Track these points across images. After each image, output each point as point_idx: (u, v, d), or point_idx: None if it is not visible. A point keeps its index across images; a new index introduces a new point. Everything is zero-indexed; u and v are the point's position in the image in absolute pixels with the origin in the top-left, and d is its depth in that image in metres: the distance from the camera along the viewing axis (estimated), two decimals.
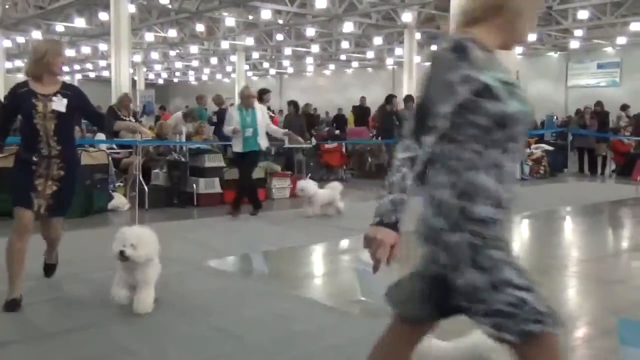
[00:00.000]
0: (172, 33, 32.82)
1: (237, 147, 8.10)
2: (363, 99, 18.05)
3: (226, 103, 14.25)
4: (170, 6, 25.02)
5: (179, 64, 46.77)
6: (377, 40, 33.39)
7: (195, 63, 45.27)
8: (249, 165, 8.20)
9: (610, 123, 17.22)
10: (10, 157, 5.16)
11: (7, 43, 32.04)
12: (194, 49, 37.82)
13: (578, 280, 5.49)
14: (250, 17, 28.08)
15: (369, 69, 43.95)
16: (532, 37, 30.13)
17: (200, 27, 31.14)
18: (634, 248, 7.12)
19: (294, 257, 6.18)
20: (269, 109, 11.85)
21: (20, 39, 34.10)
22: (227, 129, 8.19)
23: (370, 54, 37.90)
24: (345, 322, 4.03)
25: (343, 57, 39.57)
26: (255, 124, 7.98)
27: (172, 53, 40.75)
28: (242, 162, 8.25)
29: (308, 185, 8.26)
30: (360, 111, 18.09)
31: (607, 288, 5.16)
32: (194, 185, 9.10)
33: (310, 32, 30.88)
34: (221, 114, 11.34)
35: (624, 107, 18.25)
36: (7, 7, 27.20)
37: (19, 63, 40.50)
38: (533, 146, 14.91)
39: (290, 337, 3.69)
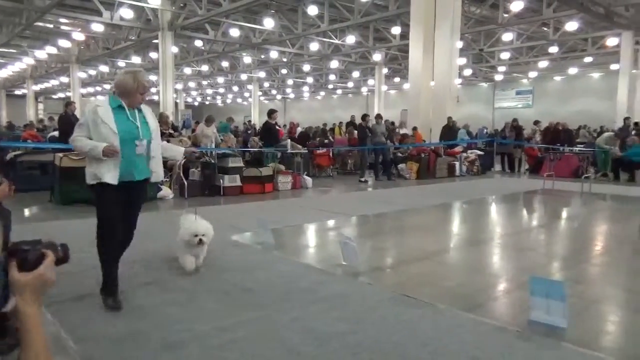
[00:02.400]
0: (205, 67, 32.71)
1: None
2: (353, 117, 17.92)
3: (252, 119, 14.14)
4: (203, 48, 24.97)
5: (209, 90, 46.61)
6: (355, 74, 33.47)
7: (221, 90, 45.20)
8: None
9: (525, 135, 17.28)
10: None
11: (82, 75, 31.86)
12: (220, 79, 37.75)
13: (501, 249, 5.52)
14: (262, 57, 28.05)
15: (350, 95, 43.97)
16: (468, 72, 30.24)
17: (225, 63, 31.09)
18: (541, 225, 7.17)
19: (294, 233, 6.19)
20: (276, 124, 11.83)
21: (92, 72, 33.91)
22: None
23: (350, 84, 38.04)
24: (331, 280, 4.05)
25: (330, 86, 39.62)
26: None
27: (205, 82, 40.63)
28: None
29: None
30: (353, 125, 17.98)
31: (521, 254, 5.20)
32: (221, 180, 9.07)
33: (306, 67, 30.94)
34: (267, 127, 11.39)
35: (536, 122, 18.37)
36: (82, 47, 26.98)
37: (90, 89, 40.23)
38: (469, 151, 14.95)
39: (292, 291, 3.70)
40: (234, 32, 20.68)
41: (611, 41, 21.68)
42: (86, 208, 6.08)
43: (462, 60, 25.33)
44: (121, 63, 28.03)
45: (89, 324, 3.03)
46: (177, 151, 4.03)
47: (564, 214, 8.17)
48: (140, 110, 3.42)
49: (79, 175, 3.78)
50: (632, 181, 12.29)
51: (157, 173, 3.58)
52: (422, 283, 4.06)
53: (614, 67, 22.37)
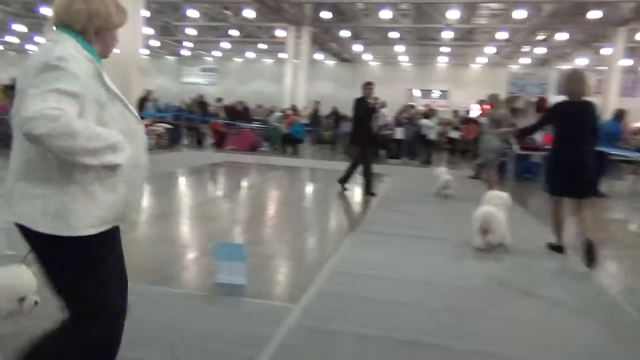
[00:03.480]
0: None
1: None
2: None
3: None
4: None
5: None
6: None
7: None
8: None
9: (210, 110, 18.16)
10: None
11: None
12: None
13: (188, 220, 5.69)
14: None
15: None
16: (156, 44, 29.52)
17: None
18: (224, 195, 7.74)
19: None
20: None
21: None
22: None
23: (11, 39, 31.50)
24: None
25: None
26: None
27: None
28: None
29: None
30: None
31: (207, 223, 5.49)
32: None
33: None
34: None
35: (219, 100, 19.60)
36: None
37: None
38: (157, 124, 14.71)
39: None
40: None
41: (280, 33, 24.88)
42: None
43: (150, 31, 24.52)
44: None
45: None
46: None
47: (244, 183, 9.03)
48: None
49: None
50: (295, 153, 14.60)
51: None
52: None
53: (282, 55, 25.80)
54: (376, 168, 8.00)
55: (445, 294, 3.45)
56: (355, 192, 8.54)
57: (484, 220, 4.53)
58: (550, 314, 3.19)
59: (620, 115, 9.49)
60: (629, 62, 23.90)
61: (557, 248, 4.61)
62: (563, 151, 4.41)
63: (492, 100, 8.09)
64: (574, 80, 4.53)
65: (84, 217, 1.57)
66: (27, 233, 1.58)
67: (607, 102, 18.22)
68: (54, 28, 1.66)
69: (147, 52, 28.74)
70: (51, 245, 1.58)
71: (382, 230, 5.32)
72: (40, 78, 1.45)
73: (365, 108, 7.42)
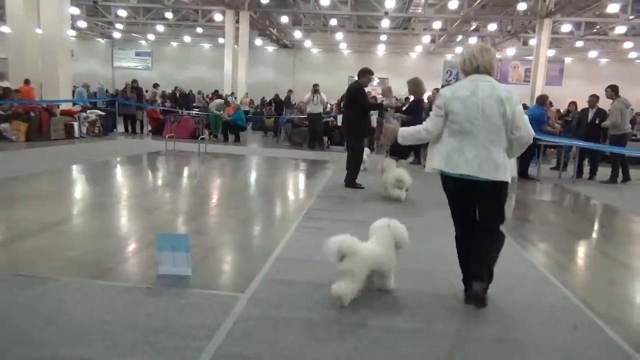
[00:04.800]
0: None
1: None
2: None
3: None
4: None
5: None
6: None
7: None
8: None
9: (146, 97, 17.49)
10: None
11: None
12: None
13: (128, 211, 5.48)
14: None
15: None
16: (83, 24, 27.87)
17: None
18: (165, 184, 7.51)
19: None
20: None
21: None
22: None
23: None
24: None
25: None
26: None
27: None
28: None
29: None
30: None
31: (148, 214, 5.33)
32: None
33: None
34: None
35: (155, 85, 18.95)
36: None
37: None
38: (88, 111, 13.98)
39: None
40: None
41: (217, 17, 24.24)
42: None
43: (76, 10, 23.09)
44: None
45: None
46: None
47: (185, 172, 8.81)
48: None
49: None
50: (238, 141, 14.40)
51: None
52: (41, 258, 3.62)
53: (221, 40, 25.18)
54: (320, 155, 8.05)
55: None
56: (300, 180, 8.59)
57: (397, 179, 6.26)
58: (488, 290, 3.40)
59: (542, 100, 10.27)
60: (553, 52, 25.43)
61: None
62: None
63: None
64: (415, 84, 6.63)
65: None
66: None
67: (535, 90, 19.32)
68: None
69: (74, 33, 27.19)
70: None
71: (326, 216, 5.41)
72: None
73: (366, 99, 7.25)
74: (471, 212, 3.19)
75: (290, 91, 21.41)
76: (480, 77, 3.03)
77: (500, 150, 2.98)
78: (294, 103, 19.58)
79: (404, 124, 7.41)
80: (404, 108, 8.00)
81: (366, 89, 7.33)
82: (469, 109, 2.97)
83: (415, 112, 7.35)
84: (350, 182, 7.27)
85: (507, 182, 3.01)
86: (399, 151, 7.00)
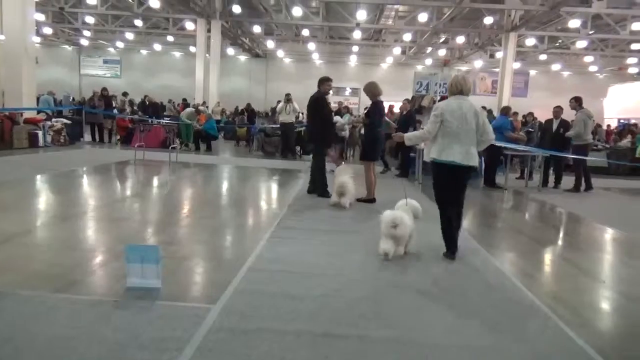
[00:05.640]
0: None
1: None
2: None
3: None
4: None
5: None
6: None
7: None
8: None
9: (115, 105, 17.15)
10: None
11: None
12: None
13: (95, 222, 5.33)
14: None
15: None
16: (49, 31, 27.21)
17: None
18: (134, 194, 7.36)
19: None
20: None
21: None
22: None
23: None
24: None
25: None
26: None
27: None
28: None
29: None
30: None
31: (116, 225, 5.20)
32: None
33: None
34: None
35: (125, 94, 18.60)
36: None
37: None
38: (54, 120, 13.61)
39: None
40: None
41: (189, 25, 24.04)
42: None
43: (41, 17, 22.54)
44: None
45: None
46: None
47: (155, 182, 8.65)
48: None
49: None
50: (209, 150, 14.25)
51: None
52: (2, 271, 3.48)
53: (192, 49, 24.95)
54: (293, 164, 8.04)
55: (362, 284, 3.59)
56: (273, 189, 8.55)
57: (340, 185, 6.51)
58: (458, 299, 3.44)
59: (505, 110, 10.75)
60: (518, 65, 26.21)
61: None
62: None
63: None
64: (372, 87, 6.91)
65: None
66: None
67: (501, 101, 19.86)
68: None
69: (39, 40, 26.52)
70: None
71: (297, 226, 5.39)
72: None
73: (326, 108, 7.24)
74: (451, 197, 4.43)
75: (279, 102, 20.88)
76: (462, 97, 4.42)
77: (473, 147, 4.38)
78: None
79: (365, 126, 7.69)
80: (365, 112, 8.10)
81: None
82: (456, 119, 4.30)
83: (374, 113, 7.26)
84: (322, 191, 7.29)
85: (476, 166, 4.43)
86: (369, 156, 7.12)
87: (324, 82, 7.24)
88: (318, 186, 7.36)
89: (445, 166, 4.33)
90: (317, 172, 7.39)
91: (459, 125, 4.28)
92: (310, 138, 7.58)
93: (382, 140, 7.51)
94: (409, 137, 4.74)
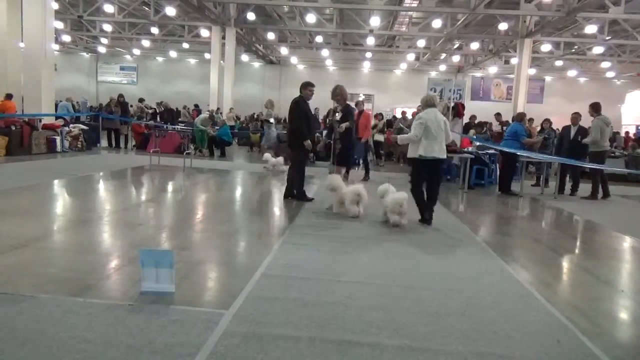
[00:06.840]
0: None
1: None
2: None
3: None
4: None
5: None
6: None
7: None
8: None
9: (131, 111, 17.39)
10: None
11: None
12: None
13: (111, 226, 5.39)
14: None
15: None
16: (67, 38, 27.72)
17: None
18: (149, 199, 7.43)
19: None
20: None
21: None
22: None
23: None
24: None
25: None
26: None
27: None
28: None
29: None
30: None
31: (131, 229, 5.25)
32: None
33: None
34: None
35: (141, 100, 18.81)
36: None
37: None
38: (71, 125, 13.84)
39: None
40: None
41: (204, 32, 24.31)
42: None
43: (60, 25, 22.98)
44: None
45: None
46: None
47: (170, 187, 8.73)
48: None
49: None
50: (223, 156, 14.35)
51: None
52: (19, 275, 3.53)
53: (207, 56, 25.22)
54: (307, 171, 8.06)
55: (375, 292, 3.57)
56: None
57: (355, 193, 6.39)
58: (471, 305, 3.40)
59: (520, 117, 10.58)
60: (534, 71, 25.98)
61: None
62: None
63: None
64: (341, 92, 7.83)
65: None
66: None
67: (517, 107, 19.68)
68: None
69: (57, 47, 27.00)
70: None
71: (310, 232, 5.39)
72: None
73: (299, 112, 7.23)
74: (423, 180, 6.13)
75: (317, 109, 19.69)
76: (434, 109, 6.11)
77: (443, 144, 6.06)
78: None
79: (346, 130, 7.93)
80: (340, 117, 8.10)
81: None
82: (434, 125, 5.94)
83: (349, 115, 7.99)
84: (300, 194, 7.44)
85: (445, 158, 6.13)
86: (344, 161, 7.96)
87: (306, 87, 7.39)
88: (296, 190, 7.49)
89: (428, 160, 5.96)
90: (296, 176, 7.49)
91: (436, 130, 5.91)
92: (289, 142, 7.58)
93: (356, 144, 8.42)
94: (402, 138, 6.19)
